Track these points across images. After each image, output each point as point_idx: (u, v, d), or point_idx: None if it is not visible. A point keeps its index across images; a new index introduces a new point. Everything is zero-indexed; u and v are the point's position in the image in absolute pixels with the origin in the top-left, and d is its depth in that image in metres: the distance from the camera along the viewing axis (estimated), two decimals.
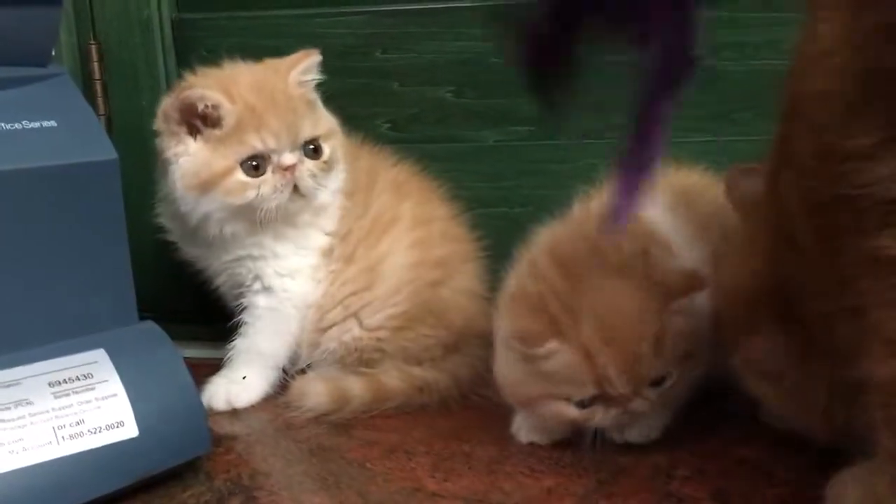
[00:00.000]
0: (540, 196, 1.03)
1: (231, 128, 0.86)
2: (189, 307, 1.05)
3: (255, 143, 0.86)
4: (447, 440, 0.82)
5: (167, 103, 0.89)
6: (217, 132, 0.86)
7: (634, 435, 0.77)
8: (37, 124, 0.73)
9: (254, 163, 0.87)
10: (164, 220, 0.95)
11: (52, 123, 0.73)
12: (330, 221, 0.95)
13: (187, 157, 0.88)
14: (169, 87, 1.08)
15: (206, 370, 0.95)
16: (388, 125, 1.06)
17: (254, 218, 0.88)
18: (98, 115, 1.07)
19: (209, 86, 0.87)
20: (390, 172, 1.00)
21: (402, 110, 1.06)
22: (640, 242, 0.76)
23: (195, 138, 0.87)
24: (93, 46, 1.08)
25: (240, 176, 0.87)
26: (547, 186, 1.03)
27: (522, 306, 0.75)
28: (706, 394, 0.80)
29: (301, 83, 0.91)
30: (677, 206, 0.80)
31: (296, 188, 0.89)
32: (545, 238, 0.81)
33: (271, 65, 0.92)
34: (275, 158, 0.87)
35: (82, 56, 1.08)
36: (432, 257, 0.96)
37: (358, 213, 0.96)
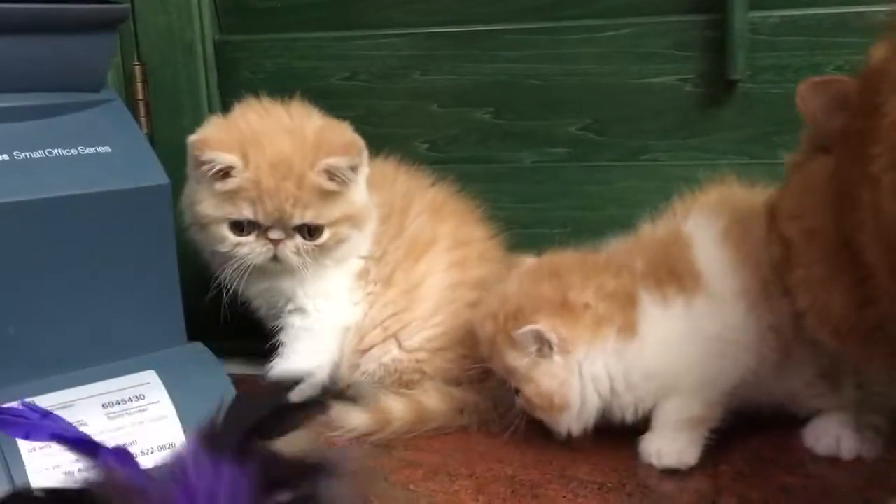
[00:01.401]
0: (577, 217, 1.04)
1: (232, 188, 0.87)
2: (232, 323, 1.05)
3: (246, 213, 0.88)
4: (489, 462, 0.83)
5: (192, 143, 0.88)
6: (219, 185, 0.87)
7: (673, 459, 0.78)
8: (92, 150, 0.75)
9: (238, 224, 0.89)
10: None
11: (107, 149, 0.75)
12: (363, 246, 0.96)
13: (193, 186, 0.90)
14: (211, 107, 1.10)
15: (248, 386, 0.96)
16: (427, 146, 1.07)
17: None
18: None
19: (230, 143, 0.87)
20: (428, 194, 1.00)
21: (440, 131, 1.07)
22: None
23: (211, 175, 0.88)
24: (137, 67, 1.10)
25: (224, 229, 0.89)
26: (584, 208, 1.04)
27: None
28: (749, 419, 0.81)
29: (330, 174, 0.89)
30: (731, 231, 0.80)
31: (276, 256, 0.90)
32: None
33: (310, 138, 0.90)
34: (263, 227, 0.89)
35: (126, 76, 1.10)
36: (471, 278, 0.97)
37: (393, 235, 0.97)
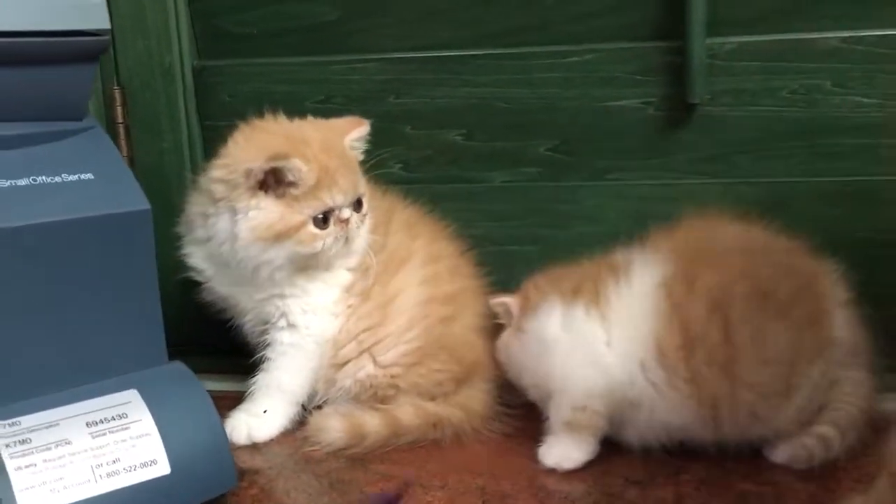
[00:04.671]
0: (546, 235, 1.08)
1: (308, 187, 0.90)
2: (212, 340, 1.08)
3: (328, 201, 0.92)
4: (461, 474, 0.86)
5: (256, 165, 0.89)
6: (294, 191, 0.90)
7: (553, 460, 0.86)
8: (75, 177, 0.77)
9: (322, 217, 0.92)
10: (194, 262, 0.98)
11: (90, 176, 0.78)
12: (356, 258, 0.99)
13: (259, 210, 0.91)
14: (189, 130, 1.13)
15: (227, 402, 0.99)
16: (401, 166, 1.11)
17: (312, 264, 0.94)
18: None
19: (289, 150, 0.90)
20: (403, 212, 1.04)
21: (414, 152, 1.10)
22: None
23: (266, 193, 0.90)
24: (117, 92, 1.12)
25: (312, 228, 0.92)
26: (552, 226, 1.08)
27: None
28: None
29: (353, 147, 0.97)
30: (671, 285, 0.85)
31: (347, 237, 0.95)
32: None
33: (326, 125, 0.97)
34: (336, 212, 0.93)
35: (107, 101, 1.13)
36: (442, 294, 1.00)
37: (377, 249, 1.00)
